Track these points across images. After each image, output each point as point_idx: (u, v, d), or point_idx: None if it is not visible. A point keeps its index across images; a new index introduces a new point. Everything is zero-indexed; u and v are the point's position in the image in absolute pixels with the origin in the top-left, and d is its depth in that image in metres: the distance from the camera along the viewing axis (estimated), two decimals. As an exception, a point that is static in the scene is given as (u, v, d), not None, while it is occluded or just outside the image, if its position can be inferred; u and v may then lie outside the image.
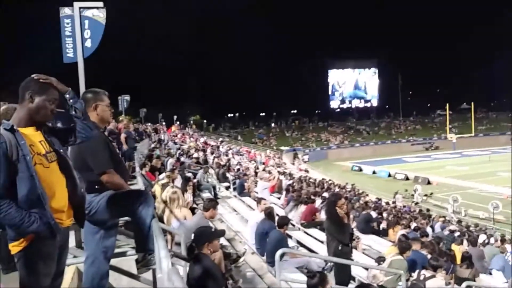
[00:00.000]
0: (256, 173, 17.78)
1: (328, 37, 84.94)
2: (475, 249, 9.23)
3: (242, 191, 12.78)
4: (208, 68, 79.07)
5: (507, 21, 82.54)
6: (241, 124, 75.29)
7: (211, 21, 77.96)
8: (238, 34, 78.18)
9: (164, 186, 6.85)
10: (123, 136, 9.86)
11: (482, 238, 11.35)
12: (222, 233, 4.68)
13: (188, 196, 7.73)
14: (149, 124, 28.95)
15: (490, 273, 8.43)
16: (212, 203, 5.81)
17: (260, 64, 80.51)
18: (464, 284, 5.68)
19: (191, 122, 60.39)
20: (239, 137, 60.84)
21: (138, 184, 6.71)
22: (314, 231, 8.87)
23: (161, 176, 8.68)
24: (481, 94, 78.37)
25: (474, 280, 6.63)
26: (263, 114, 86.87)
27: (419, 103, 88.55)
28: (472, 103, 58.01)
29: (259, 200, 7.99)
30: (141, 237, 3.00)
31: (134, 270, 3.38)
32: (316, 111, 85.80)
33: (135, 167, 8.56)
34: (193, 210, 6.99)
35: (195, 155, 17.51)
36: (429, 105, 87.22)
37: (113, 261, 3.31)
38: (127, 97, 24.14)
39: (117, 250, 3.44)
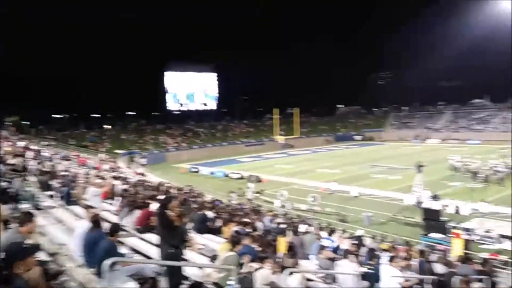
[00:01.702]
0: (86, 179, 16.45)
1: (166, 39, 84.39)
2: (297, 238, 10.31)
3: (69, 199, 11.67)
4: (31, 65, 69.95)
5: (328, 37, 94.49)
6: (70, 126, 68.73)
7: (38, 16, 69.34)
8: (70, 31, 71.47)
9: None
10: None
11: (303, 227, 12.73)
12: (36, 248, 4.15)
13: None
14: (-50, 125, 24.13)
15: (309, 258, 9.48)
16: (27, 217, 5.12)
17: (93, 62, 75.25)
18: (287, 271, 6.25)
19: (8, 124, 52.54)
20: (70, 141, 55.57)
21: None
22: (150, 236, 8.64)
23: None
24: (304, 101, 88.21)
25: (295, 267, 7.36)
26: (97, 115, 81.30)
27: (253, 107, 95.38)
28: (297, 108, 64.69)
29: (87, 208, 7.40)
30: None
31: None
32: (155, 113, 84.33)
33: None
34: (6, 224, 6.05)
35: (12, 161, 15.29)
36: (261, 109, 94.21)
37: None
38: None
39: None
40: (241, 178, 39.20)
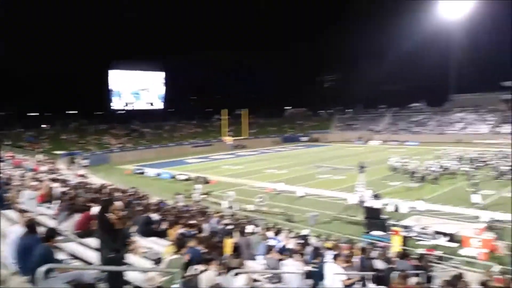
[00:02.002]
0: (21, 181, 15.53)
1: (112, 36, 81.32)
2: (243, 239, 10.33)
3: (2, 203, 10.94)
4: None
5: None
6: (4, 125, 64.20)
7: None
8: (9, 25, 66.87)
9: None
10: None
11: (249, 228, 12.78)
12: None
13: None
14: None
15: (255, 259, 9.53)
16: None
17: (31, 57, 71.04)
18: (232, 272, 6.24)
19: None
20: (4, 141, 52.02)
21: None
22: (90, 241, 8.29)
23: None
24: (252, 102, 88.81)
25: (241, 268, 7.36)
26: (34, 114, 76.79)
27: (201, 108, 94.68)
28: (246, 110, 64.90)
29: (21, 212, 6.97)
30: None
31: None
32: (98, 113, 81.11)
33: None
34: None
35: None
36: (210, 110, 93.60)
37: None
38: None
39: None
40: (188, 179, 38.64)
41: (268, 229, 14.55)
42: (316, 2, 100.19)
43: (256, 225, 14.82)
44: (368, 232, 19.57)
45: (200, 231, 10.30)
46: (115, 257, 5.15)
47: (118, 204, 5.80)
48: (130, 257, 6.88)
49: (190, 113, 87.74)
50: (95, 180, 31.69)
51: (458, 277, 8.90)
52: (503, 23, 77.09)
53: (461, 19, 79.24)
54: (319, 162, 48.18)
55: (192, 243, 7.58)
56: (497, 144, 54.61)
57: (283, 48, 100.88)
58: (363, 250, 11.24)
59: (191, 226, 10.86)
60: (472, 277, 11.24)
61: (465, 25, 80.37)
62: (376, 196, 25.73)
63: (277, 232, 12.49)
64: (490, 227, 18.70)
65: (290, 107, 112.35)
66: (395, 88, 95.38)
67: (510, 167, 33.55)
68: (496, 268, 13.52)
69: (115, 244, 5.19)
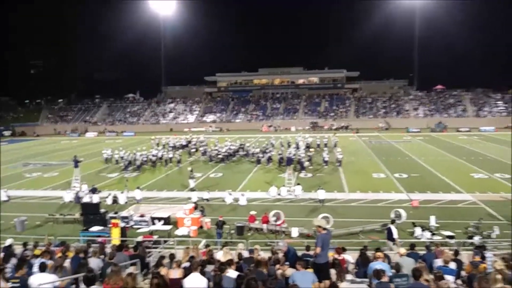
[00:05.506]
0: None
1: None
2: None
3: None
4: None
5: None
6: None
7: None
8: None
9: None
10: None
11: None
12: None
13: None
14: None
15: None
16: None
17: None
18: None
19: None
20: None
21: None
22: None
23: None
24: None
25: None
26: None
27: None
28: None
29: None
30: None
31: None
32: None
33: None
34: None
35: None
36: None
37: None
38: None
39: None
40: None
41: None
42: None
43: None
44: (86, 229, 18.68)
45: None
46: None
47: None
48: None
49: None
50: None
51: (171, 257, 9.42)
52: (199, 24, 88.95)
53: (170, 16, 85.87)
54: (27, 159, 42.77)
55: None
56: (202, 132, 62.12)
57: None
58: (78, 250, 10.56)
59: None
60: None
61: (173, 22, 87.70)
62: (94, 191, 25.00)
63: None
64: (196, 206, 21.01)
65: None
66: (110, 78, 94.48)
67: (216, 152, 38.43)
68: (203, 242, 15.34)
69: None
